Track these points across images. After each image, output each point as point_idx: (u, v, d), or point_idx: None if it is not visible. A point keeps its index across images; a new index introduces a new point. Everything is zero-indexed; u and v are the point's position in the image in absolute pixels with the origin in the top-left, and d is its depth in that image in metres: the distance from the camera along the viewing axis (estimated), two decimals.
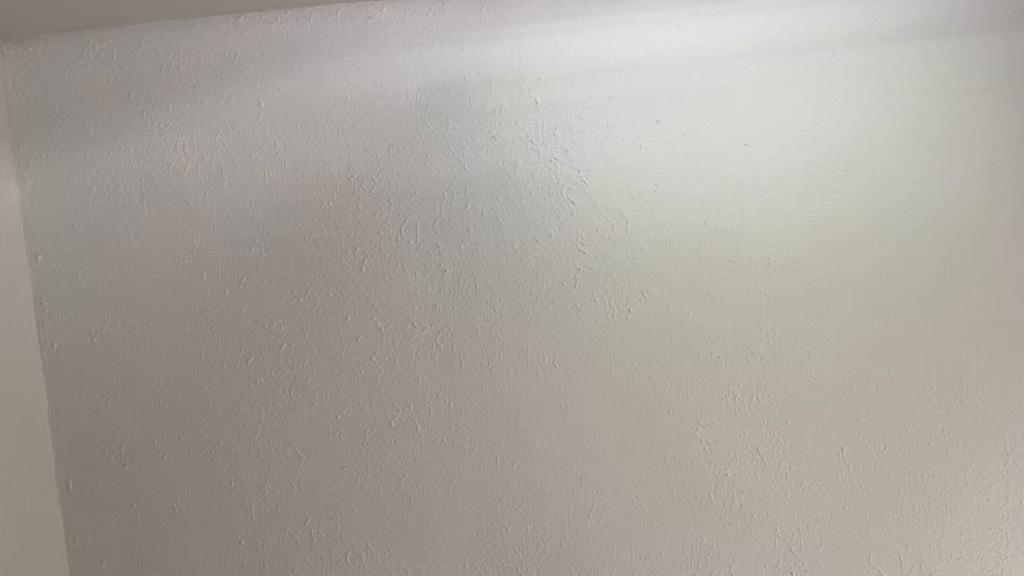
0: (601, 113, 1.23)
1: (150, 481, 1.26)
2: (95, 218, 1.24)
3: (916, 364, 1.23)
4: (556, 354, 1.24)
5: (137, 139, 1.24)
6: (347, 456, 1.25)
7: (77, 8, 1.16)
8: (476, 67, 1.23)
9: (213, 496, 1.25)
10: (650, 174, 1.23)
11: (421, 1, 1.23)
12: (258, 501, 1.25)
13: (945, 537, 1.24)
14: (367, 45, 1.24)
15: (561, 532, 1.24)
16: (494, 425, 1.24)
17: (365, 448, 1.25)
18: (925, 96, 1.22)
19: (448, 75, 1.24)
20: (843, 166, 1.22)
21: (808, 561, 1.24)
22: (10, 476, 1.17)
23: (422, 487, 1.24)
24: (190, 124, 1.24)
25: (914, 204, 1.22)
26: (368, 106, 1.24)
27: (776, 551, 1.24)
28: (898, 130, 1.22)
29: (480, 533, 1.24)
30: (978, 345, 1.23)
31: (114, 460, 1.26)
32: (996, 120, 1.22)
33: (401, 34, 1.24)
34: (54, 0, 1.13)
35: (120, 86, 1.24)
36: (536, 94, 1.23)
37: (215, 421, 1.25)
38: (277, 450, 1.25)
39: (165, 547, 1.26)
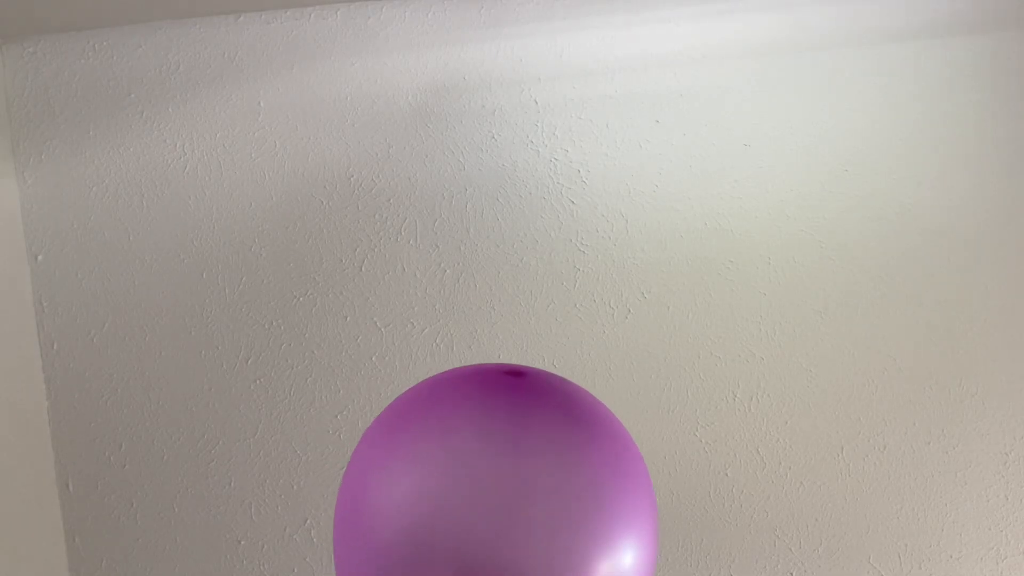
0: (601, 113, 1.23)
1: (150, 481, 1.26)
2: (95, 218, 1.24)
3: (916, 364, 1.23)
4: (556, 354, 1.24)
5: (137, 139, 1.24)
6: (347, 456, 1.25)
7: (77, 8, 1.16)
8: (476, 67, 1.23)
9: (213, 496, 1.25)
10: (650, 174, 1.23)
11: (421, 1, 1.23)
12: (258, 501, 1.25)
13: (945, 537, 1.24)
14: (367, 45, 1.24)
15: None
16: None
17: None
18: (926, 96, 1.22)
19: (448, 75, 1.24)
20: (843, 166, 1.22)
21: (808, 561, 1.24)
22: (10, 476, 1.17)
23: None
24: (190, 124, 1.24)
25: (915, 204, 1.22)
26: (368, 106, 1.24)
27: (776, 551, 1.24)
28: (899, 130, 1.22)
29: None
30: (978, 345, 1.23)
31: (114, 460, 1.26)
32: (997, 120, 1.22)
33: (401, 34, 1.24)
34: (54, 0, 1.12)
35: (120, 86, 1.24)
36: (536, 94, 1.23)
37: (215, 421, 1.25)
38: (277, 450, 1.25)
39: (165, 547, 1.26)
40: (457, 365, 1.24)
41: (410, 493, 0.57)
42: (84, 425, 1.25)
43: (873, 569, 1.24)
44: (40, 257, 1.25)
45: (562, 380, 0.70)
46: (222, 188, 1.24)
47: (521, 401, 0.61)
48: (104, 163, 1.24)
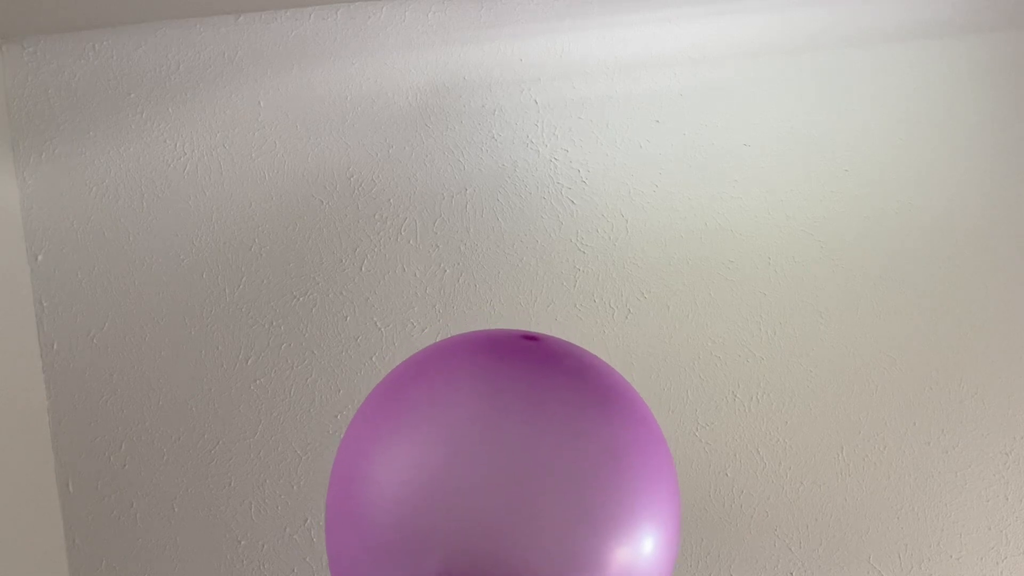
0: (601, 113, 1.23)
1: (150, 481, 1.26)
2: (95, 218, 1.24)
3: (916, 364, 1.23)
4: None
5: (137, 139, 1.24)
6: None
7: (77, 8, 1.16)
8: (476, 67, 1.23)
9: (213, 496, 1.25)
10: (650, 174, 1.23)
11: (421, 1, 1.23)
12: (258, 501, 1.25)
13: (945, 537, 1.24)
14: (367, 45, 1.24)
15: None
16: None
17: None
18: (925, 96, 1.22)
19: (448, 75, 1.24)
20: (843, 166, 1.22)
21: (808, 561, 1.24)
22: (10, 476, 1.17)
23: None
24: (190, 124, 1.24)
25: (914, 204, 1.22)
26: (368, 106, 1.24)
27: (776, 551, 1.24)
28: (898, 130, 1.22)
29: None
30: (978, 345, 1.23)
31: (114, 460, 1.26)
32: (996, 120, 1.22)
33: (401, 34, 1.24)
34: (54, 0, 1.12)
35: (120, 86, 1.24)
36: (536, 94, 1.23)
37: (215, 421, 1.25)
38: (277, 450, 1.25)
39: (165, 547, 1.26)
40: None
41: (406, 472, 0.51)
42: (84, 425, 1.25)
43: (873, 569, 1.24)
44: (40, 257, 1.25)
45: (577, 347, 0.64)
46: (222, 188, 1.24)
47: (534, 368, 0.56)
48: (104, 163, 1.24)
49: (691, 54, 1.23)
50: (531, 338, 0.60)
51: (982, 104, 1.22)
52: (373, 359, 1.25)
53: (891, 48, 1.22)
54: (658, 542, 0.54)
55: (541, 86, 1.23)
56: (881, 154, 1.22)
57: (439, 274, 1.24)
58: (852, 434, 1.23)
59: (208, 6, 1.20)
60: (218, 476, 1.25)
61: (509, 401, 0.52)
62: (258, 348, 1.25)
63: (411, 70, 1.24)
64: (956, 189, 1.22)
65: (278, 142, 1.24)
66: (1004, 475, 1.23)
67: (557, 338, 0.65)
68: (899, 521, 1.24)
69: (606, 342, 1.23)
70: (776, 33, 1.22)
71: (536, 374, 0.55)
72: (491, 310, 1.24)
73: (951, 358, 1.23)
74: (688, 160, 1.23)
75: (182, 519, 1.26)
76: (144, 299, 1.25)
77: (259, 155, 1.24)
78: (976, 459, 1.23)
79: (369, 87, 1.24)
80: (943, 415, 1.23)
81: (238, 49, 1.24)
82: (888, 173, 1.22)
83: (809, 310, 1.23)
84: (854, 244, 1.23)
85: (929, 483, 1.23)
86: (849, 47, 1.22)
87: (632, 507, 0.53)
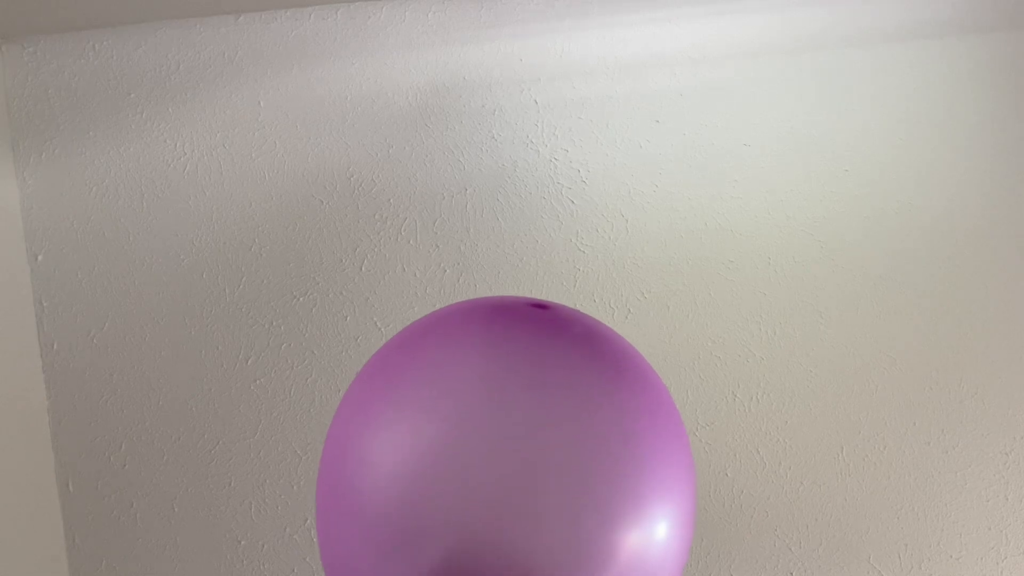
0: (601, 113, 1.23)
1: (150, 481, 1.26)
2: (95, 218, 1.24)
3: (916, 364, 1.23)
4: None
5: (137, 139, 1.24)
6: None
7: (77, 8, 1.16)
8: (476, 67, 1.23)
9: (213, 496, 1.25)
10: (650, 174, 1.23)
11: (421, 1, 1.23)
12: (258, 501, 1.25)
13: (945, 537, 1.24)
14: (367, 45, 1.24)
15: None
16: None
17: None
18: (925, 96, 1.22)
19: (448, 75, 1.24)
20: (843, 166, 1.22)
21: (808, 561, 1.24)
22: (10, 476, 1.17)
23: None
24: (190, 124, 1.24)
25: (914, 204, 1.22)
26: (368, 106, 1.24)
27: (776, 551, 1.24)
28: (898, 130, 1.22)
29: None
30: (978, 345, 1.23)
31: (114, 460, 1.26)
32: (996, 120, 1.22)
33: (401, 34, 1.24)
34: (54, 0, 1.12)
35: (120, 86, 1.24)
36: (536, 94, 1.23)
37: (215, 421, 1.25)
38: (277, 450, 1.25)
39: (165, 547, 1.26)
40: None
41: (405, 440, 0.49)
42: (84, 425, 1.25)
43: (873, 569, 1.24)
44: (40, 257, 1.25)
45: (588, 316, 0.61)
46: (222, 188, 1.24)
47: (541, 332, 0.53)
48: (104, 163, 1.24)
49: (691, 54, 1.23)
50: (541, 306, 0.58)
51: (982, 104, 1.22)
52: None
53: (891, 48, 1.22)
54: (671, 510, 0.53)
55: (541, 86, 1.23)
56: (881, 154, 1.22)
57: (439, 274, 1.24)
58: (852, 434, 1.23)
59: (208, 6, 1.20)
60: (218, 476, 1.25)
61: (514, 364, 0.50)
62: (258, 348, 1.25)
63: (411, 70, 1.24)
64: (956, 189, 1.22)
65: (278, 142, 1.24)
66: (1004, 475, 1.23)
67: (567, 307, 0.63)
68: (899, 521, 1.24)
69: None
70: (776, 33, 1.22)
71: (543, 338, 0.53)
72: None
73: (951, 358, 1.23)
74: (688, 160, 1.23)
75: (182, 519, 1.26)
76: (144, 299, 1.25)
77: (259, 155, 1.24)
78: (976, 459, 1.23)
79: (369, 87, 1.24)
80: (943, 415, 1.23)
81: (238, 49, 1.24)
82: (888, 173, 1.22)
83: (809, 310, 1.23)
84: (854, 244, 1.23)
85: (929, 483, 1.23)
86: (849, 47, 1.22)
87: (641, 474, 0.51)
